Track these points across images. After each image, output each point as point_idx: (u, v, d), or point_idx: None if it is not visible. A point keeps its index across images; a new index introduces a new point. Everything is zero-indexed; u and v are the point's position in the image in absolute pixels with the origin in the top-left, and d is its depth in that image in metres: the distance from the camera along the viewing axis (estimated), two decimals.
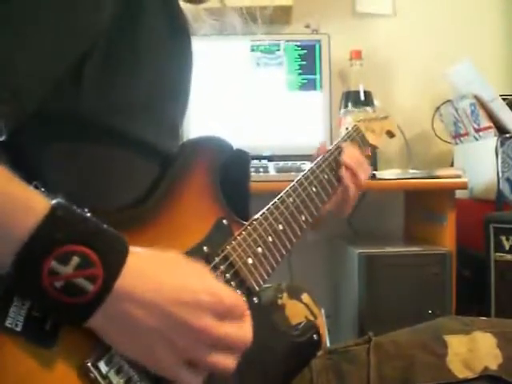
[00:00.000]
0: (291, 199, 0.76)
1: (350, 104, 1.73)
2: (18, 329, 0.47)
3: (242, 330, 0.56)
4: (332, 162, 0.89)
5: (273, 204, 0.73)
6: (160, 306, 0.51)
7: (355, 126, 1.01)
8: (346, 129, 1.03)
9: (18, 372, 0.48)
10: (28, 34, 0.51)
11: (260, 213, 0.71)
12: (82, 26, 0.55)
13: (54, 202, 0.48)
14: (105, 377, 0.51)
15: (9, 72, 0.51)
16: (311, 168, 0.84)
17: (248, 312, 0.57)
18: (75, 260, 0.47)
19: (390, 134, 1.13)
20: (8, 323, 0.47)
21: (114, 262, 0.49)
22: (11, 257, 0.46)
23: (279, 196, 0.75)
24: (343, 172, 0.89)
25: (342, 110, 1.08)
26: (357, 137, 0.99)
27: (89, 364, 0.51)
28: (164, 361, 0.52)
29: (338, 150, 0.92)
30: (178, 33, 0.68)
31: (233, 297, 0.56)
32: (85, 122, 0.58)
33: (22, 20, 0.51)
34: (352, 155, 0.92)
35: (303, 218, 0.77)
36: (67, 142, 0.58)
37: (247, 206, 0.72)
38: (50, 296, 0.47)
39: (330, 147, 0.93)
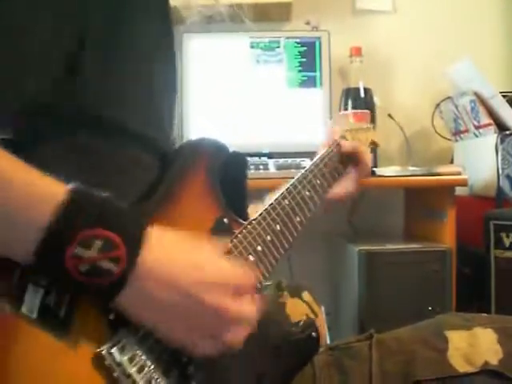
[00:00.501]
0: (286, 201, 0.78)
1: (350, 101, 1.73)
2: (34, 315, 0.48)
3: (253, 306, 0.58)
4: (323, 167, 0.91)
5: (270, 205, 0.75)
6: (179, 285, 0.53)
7: (342, 135, 1.03)
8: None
9: (34, 358, 0.48)
10: (26, 27, 0.52)
11: (258, 213, 0.73)
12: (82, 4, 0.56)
13: (71, 187, 0.49)
14: (119, 364, 0.52)
15: (11, 70, 0.51)
16: (304, 173, 0.85)
17: (254, 287, 0.60)
18: (98, 244, 0.48)
19: (374, 145, 1.17)
20: (24, 310, 0.48)
21: (136, 242, 0.51)
22: (33, 244, 0.47)
23: (275, 198, 0.77)
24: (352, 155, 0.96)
25: (327, 121, 1.11)
26: None
27: (104, 352, 0.51)
28: (180, 332, 0.54)
29: (337, 146, 0.95)
30: (168, 33, 0.69)
31: (245, 276, 0.59)
32: (82, 117, 0.59)
33: (17, 15, 0.51)
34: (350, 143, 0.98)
35: (298, 220, 0.78)
36: (66, 138, 0.58)
37: (245, 206, 0.74)
38: (76, 279, 0.48)
39: (323, 152, 0.94)
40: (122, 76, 0.61)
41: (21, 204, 0.47)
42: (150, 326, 0.54)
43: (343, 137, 1.03)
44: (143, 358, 0.54)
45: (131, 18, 0.61)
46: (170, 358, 0.57)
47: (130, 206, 0.59)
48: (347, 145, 0.96)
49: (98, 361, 0.51)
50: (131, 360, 0.53)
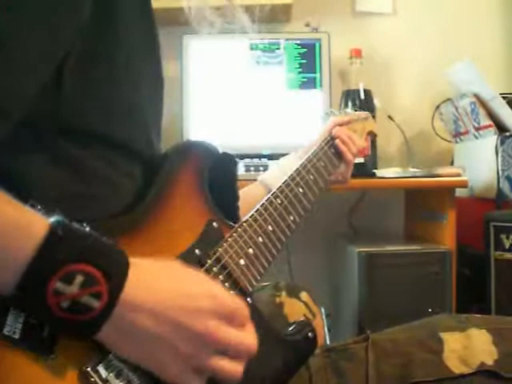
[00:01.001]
0: (279, 200, 0.77)
1: (349, 103, 1.73)
2: (16, 336, 0.48)
3: (247, 335, 0.56)
4: (317, 162, 0.91)
5: (261, 205, 0.74)
6: (164, 313, 0.51)
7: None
8: None
9: (18, 380, 0.48)
10: (10, 43, 0.50)
11: (249, 214, 0.72)
12: (62, 28, 0.54)
13: (52, 221, 0.48)
14: (105, 381, 0.51)
15: None
16: (297, 169, 0.85)
17: (249, 317, 0.58)
18: (79, 279, 0.47)
19: (373, 134, 1.16)
20: (6, 331, 0.47)
21: (117, 276, 0.50)
22: (14, 281, 0.46)
23: (266, 198, 0.76)
24: (340, 145, 1.01)
25: (323, 112, 1.11)
26: None
27: (89, 369, 0.51)
28: (171, 367, 0.52)
29: (329, 142, 1.00)
30: (152, 41, 0.68)
31: (235, 300, 0.56)
32: (65, 127, 0.58)
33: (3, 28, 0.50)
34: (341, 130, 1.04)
35: (291, 219, 0.77)
36: (48, 149, 0.57)
37: (236, 208, 0.73)
38: (57, 315, 0.47)
39: (315, 147, 0.96)
40: (105, 85, 0.60)
41: (2, 238, 0.46)
42: (138, 362, 0.52)
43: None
44: (130, 373, 0.53)
45: (114, 26, 0.60)
46: None
47: (110, 218, 0.58)
48: (339, 143, 1.00)
49: (85, 378, 0.50)
50: (118, 376, 0.53)
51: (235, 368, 0.55)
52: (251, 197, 0.77)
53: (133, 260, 0.51)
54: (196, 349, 0.52)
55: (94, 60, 0.58)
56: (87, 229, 0.51)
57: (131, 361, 0.52)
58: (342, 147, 1.01)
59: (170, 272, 0.55)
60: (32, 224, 0.48)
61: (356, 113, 1.16)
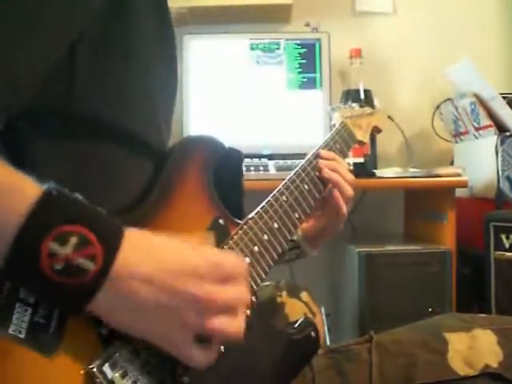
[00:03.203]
0: (284, 197, 0.76)
1: (349, 103, 1.73)
2: (22, 335, 0.47)
3: (242, 290, 0.56)
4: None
5: (267, 202, 0.73)
6: (162, 279, 0.50)
7: (342, 122, 1.01)
8: (334, 125, 1.03)
9: (23, 379, 0.47)
10: (20, 24, 0.51)
11: (255, 211, 0.71)
12: (74, 8, 0.55)
13: (46, 184, 0.48)
14: (110, 381, 0.51)
15: (2, 64, 0.50)
16: (302, 165, 0.84)
17: (243, 271, 0.57)
18: (73, 240, 0.46)
19: (377, 130, 1.14)
20: (11, 330, 0.47)
21: (112, 239, 0.49)
22: (8, 241, 0.45)
23: (272, 194, 0.75)
24: (332, 190, 0.87)
25: (329, 107, 1.08)
26: (344, 133, 0.99)
27: (94, 369, 0.50)
28: (174, 337, 0.52)
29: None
30: (167, 34, 0.67)
31: (231, 259, 0.56)
32: (77, 119, 0.58)
33: (13, 10, 0.51)
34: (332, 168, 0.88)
35: (297, 216, 0.77)
36: (59, 139, 0.57)
37: (241, 204, 0.72)
38: (50, 279, 0.46)
39: (321, 143, 0.93)
40: (116, 77, 0.59)
41: (1, 193, 0.46)
42: (136, 333, 0.51)
43: (344, 124, 1.00)
44: (135, 373, 0.53)
45: (127, 18, 0.60)
46: (163, 371, 0.56)
47: (114, 214, 0.58)
48: (324, 171, 0.86)
49: (90, 378, 0.50)
50: (123, 376, 0.52)
51: (237, 324, 0.54)
52: None
53: (129, 228, 0.51)
54: (196, 313, 0.51)
55: (107, 47, 0.58)
56: (80, 197, 0.50)
57: (130, 333, 0.51)
58: (336, 194, 0.88)
59: (165, 240, 0.54)
60: (26, 185, 0.47)
61: (361, 108, 1.14)
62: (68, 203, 0.48)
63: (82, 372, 0.50)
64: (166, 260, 0.52)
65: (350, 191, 0.89)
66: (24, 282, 0.48)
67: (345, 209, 0.91)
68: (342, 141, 0.96)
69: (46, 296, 0.48)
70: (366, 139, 1.08)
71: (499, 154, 1.52)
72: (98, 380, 0.50)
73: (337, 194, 0.88)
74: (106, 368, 0.51)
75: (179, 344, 0.52)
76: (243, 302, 0.55)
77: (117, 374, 0.52)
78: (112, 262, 0.48)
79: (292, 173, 0.81)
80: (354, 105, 1.14)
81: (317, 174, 0.85)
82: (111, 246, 0.49)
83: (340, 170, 0.87)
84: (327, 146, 0.92)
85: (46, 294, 0.48)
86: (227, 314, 0.53)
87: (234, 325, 0.54)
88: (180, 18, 0.90)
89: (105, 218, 0.50)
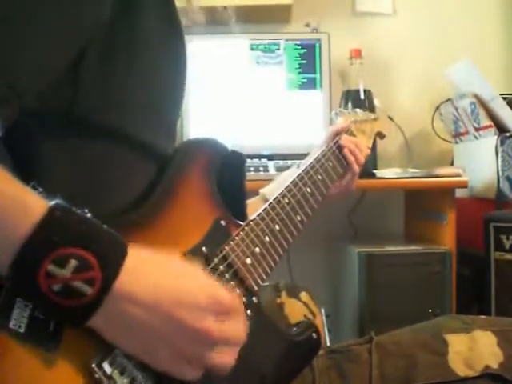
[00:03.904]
0: (286, 200, 0.76)
1: (350, 103, 1.73)
2: (22, 330, 0.47)
3: (239, 327, 0.56)
4: (326, 162, 0.90)
5: (269, 205, 0.74)
6: (159, 306, 0.51)
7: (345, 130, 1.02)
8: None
9: (23, 374, 0.47)
10: (27, 29, 0.51)
11: (256, 213, 0.72)
12: (82, 20, 0.55)
13: (52, 203, 0.48)
14: (109, 377, 0.51)
15: (8, 68, 0.50)
16: (305, 169, 0.84)
17: (242, 308, 0.58)
18: (73, 263, 0.47)
19: (381, 136, 1.15)
20: (12, 325, 0.47)
21: (112, 264, 0.49)
22: (9, 258, 0.46)
23: (274, 197, 0.75)
24: (347, 153, 0.98)
25: (333, 112, 1.09)
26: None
27: (93, 365, 0.51)
28: (164, 359, 0.52)
29: (336, 144, 0.97)
30: (175, 34, 0.67)
31: (229, 296, 0.56)
32: (82, 121, 0.58)
33: (21, 15, 0.51)
34: (349, 140, 1.01)
35: (299, 218, 0.77)
36: (64, 141, 0.57)
37: (244, 206, 0.73)
38: (48, 298, 0.47)
39: (323, 148, 0.95)
40: (121, 80, 0.59)
41: (1, 214, 0.46)
42: (130, 351, 0.52)
43: (347, 131, 1.02)
44: (134, 370, 0.53)
45: (133, 19, 0.60)
46: None
47: (116, 215, 0.57)
48: (347, 153, 0.98)
49: (89, 374, 0.50)
50: (122, 373, 0.52)
51: (229, 359, 0.55)
52: (250, 214, 0.77)
53: (132, 249, 0.51)
54: (190, 344, 0.52)
55: (113, 50, 0.58)
56: (88, 215, 0.50)
57: (124, 350, 0.52)
58: (350, 157, 0.99)
59: (168, 266, 0.54)
60: (31, 203, 0.47)
61: (365, 113, 1.15)
62: (71, 224, 0.48)
63: (81, 368, 0.50)
64: (165, 287, 0.52)
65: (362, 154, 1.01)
66: (23, 296, 0.48)
67: (357, 168, 1.01)
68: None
69: (43, 311, 0.49)
70: (370, 144, 1.09)
71: (499, 155, 1.52)
72: (96, 376, 0.50)
73: (350, 156, 0.98)
74: (106, 364, 0.51)
75: (167, 363, 0.53)
76: (240, 340, 0.56)
77: (116, 371, 0.52)
78: (110, 287, 0.49)
79: (294, 176, 0.81)
80: (358, 110, 1.15)
81: (319, 177, 0.85)
82: (112, 271, 0.49)
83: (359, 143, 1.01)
84: (330, 150, 0.94)
85: (43, 309, 0.49)
86: (220, 348, 0.54)
87: (224, 360, 0.54)
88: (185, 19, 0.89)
89: (108, 239, 0.50)
